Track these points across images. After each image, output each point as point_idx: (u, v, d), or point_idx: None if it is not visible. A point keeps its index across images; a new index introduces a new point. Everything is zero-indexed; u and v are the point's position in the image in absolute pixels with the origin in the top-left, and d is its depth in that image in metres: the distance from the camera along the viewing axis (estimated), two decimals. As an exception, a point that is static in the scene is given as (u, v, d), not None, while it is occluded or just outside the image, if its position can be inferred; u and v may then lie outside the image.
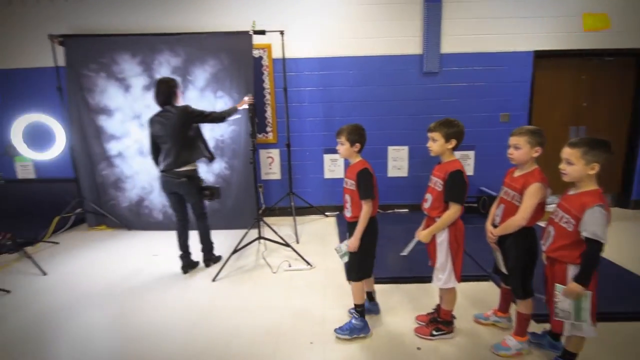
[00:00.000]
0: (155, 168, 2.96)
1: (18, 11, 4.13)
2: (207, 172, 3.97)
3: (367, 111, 4.28)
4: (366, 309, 2.14)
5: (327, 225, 4.12)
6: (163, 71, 3.78)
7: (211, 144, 3.90)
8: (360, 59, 4.17)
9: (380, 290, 2.44)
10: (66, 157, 4.13)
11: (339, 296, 2.50)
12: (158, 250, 3.49)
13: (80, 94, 3.85)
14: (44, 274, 3.01)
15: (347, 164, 2.13)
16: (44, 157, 3.23)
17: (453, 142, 1.78)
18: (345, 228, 2.16)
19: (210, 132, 3.88)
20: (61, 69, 3.88)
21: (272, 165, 4.43)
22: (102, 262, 3.27)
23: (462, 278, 1.91)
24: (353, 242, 1.96)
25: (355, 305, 2.06)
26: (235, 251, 2.98)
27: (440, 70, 4.17)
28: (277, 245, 3.23)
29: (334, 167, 4.38)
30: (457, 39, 4.12)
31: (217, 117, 2.91)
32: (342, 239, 3.49)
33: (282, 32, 3.72)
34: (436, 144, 1.81)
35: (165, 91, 2.74)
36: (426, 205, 1.90)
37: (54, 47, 3.81)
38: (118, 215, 4.09)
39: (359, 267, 2.03)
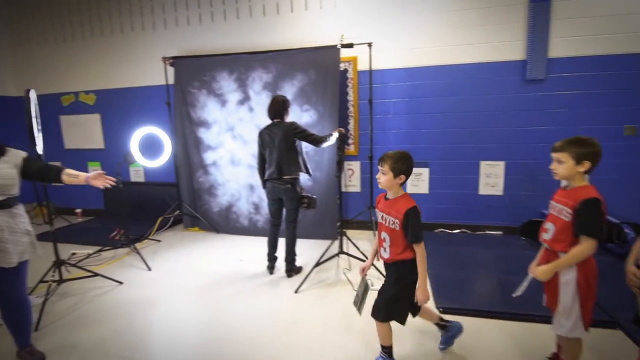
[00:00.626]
0: (258, 177, 3.22)
1: (138, 37, 4.82)
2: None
3: (457, 123, 3.98)
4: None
5: (408, 243, 3.91)
6: (255, 87, 4.02)
7: (295, 155, 4.02)
8: (450, 68, 3.92)
9: (469, 324, 2.17)
10: (170, 164, 4.64)
11: (422, 323, 2.31)
12: (243, 254, 3.67)
13: (184, 109, 4.30)
14: (149, 269, 3.37)
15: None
16: (154, 164, 3.68)
17: (586, 165, 1.50)
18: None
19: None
20: (170, 86, 4.40)
21: (352, 178, 4.38)
22: (196, 262, 3.55)
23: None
24: (422, 294, 1.69)
25: (382, 346, 1.85)
26: (317, 264, 2.97)
27: (547, 77, 3.69)
28: (357, 260, 3.15)
29: (417, 181, 4.16)
30: (568, 41, 3.61)
31: (316, 140, 3.03)
32: (428, 257, 3.27)
33: (369, 45, 3.68)
34: (563, 166, 1.54)
35: (278, 107, 3.01)
36: (546, 237, 1.62)
37: (165, 68, 4.33)
38: (209, 219, 4.44)
39: (394, 307, 1.76)
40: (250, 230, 4.26)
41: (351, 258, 3.15)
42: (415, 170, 4.09)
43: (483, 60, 3.83)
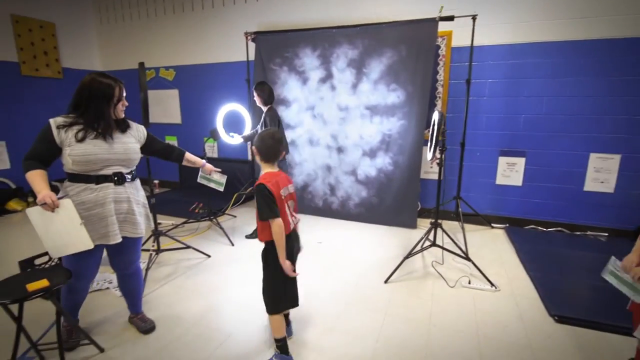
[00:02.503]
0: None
1: (218, 12, 4.79)
2: (370, 166, 3.92)
3: (563, 108, 3.51)
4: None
5: (495, 238, 3.60)
6: (339, 64, 3.83)
7: (378, 137, 3.83)
8: (560, 45, 3.42)
9: (572, 334, 1.90)
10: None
11: (537, 329, 2.07)
12: (321, 236, 3.61)
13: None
14: (232, 244, 3.42)
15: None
16: (234, 141, 3.69)
17: None
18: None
19: (379, 126, 3.79)
20: (251, 63, 4.34)
21: (433, 164, 4.09)
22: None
23: None
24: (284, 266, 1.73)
25: (275, 339, 1.85)
26: (409, 255, 2.80)
27: (691, 57, 3.08)
28: (450, 254, 2.94)
29: (510, 172, 3.78)
30: None
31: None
32: (523, 257, 2.97)
33: (474, 17, 3.29)
34: None
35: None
36: None
37: (247, 44, 4.27)
38: (283, 198, 4.43)
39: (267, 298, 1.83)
40: (324, 211, 4.19)
41: (442, 251, 2.95)
42: (507, 159, 3.77)
43: (599, 37, 3.28)
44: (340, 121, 3.93)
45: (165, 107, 5.51)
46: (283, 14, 4.34)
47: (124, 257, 1.96)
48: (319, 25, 3.96)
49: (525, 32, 3.50)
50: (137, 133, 1.96)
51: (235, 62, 4.68)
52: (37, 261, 2.53)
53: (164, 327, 2.17)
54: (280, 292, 1.80)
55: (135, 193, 1.90)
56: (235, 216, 4.34)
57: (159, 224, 3.91)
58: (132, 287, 2.11)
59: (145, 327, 2.12)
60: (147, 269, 2.73)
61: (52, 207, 1.53)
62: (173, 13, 5.09)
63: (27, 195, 4.72)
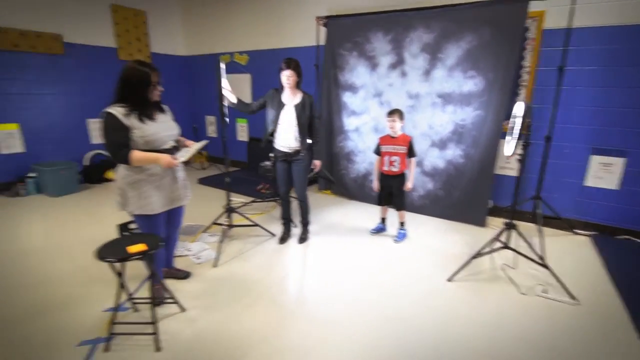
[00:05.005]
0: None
1: (291, -3, 4.83)
2: (438, 157, 3.74)
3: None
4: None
5: (578, 245, 3.24)
6: (413, 49, 3.67)
7: (449, 127, 3.63)
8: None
9: None
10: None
11: (624, 353, 1.85)
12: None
13: (332, 72, 4.24)
14: (295, 225, 3.56)
15: None
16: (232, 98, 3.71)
17: None
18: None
19: (452, 115, 3.58)
20: (321, 48, 4.35)
21: (510, 159, 3.77)
22: (335, 225, 3.61)
23: None
24: None
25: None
26: (478, 255, 2.66)
27: None
28: (515, 255, 2.73)
29: (604, 173, 3.34)
30: None
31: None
32: (613, 270, 2.64)
33: (576, -6, 2.89)
34: None
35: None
36: None
37: (318, 28, 4.28)
38: (344, 185, 4.47)
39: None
40: (385, 201, 4.14)
41: (515, 255, 2.74)
42: (602, 159, 3.33)
43: None
44: (409, 109, 3.78)
45: (238, 91, 5.79)
46: (356, -3, 4.24)
47: (179, 218, 2.37)
48: (394, 7, 3.80)
49: (634, 12, 2.99)
50: (170, 113, 2.21)
51: (305, 47, 4.72)
52: (131, 225, 2.90)
53: (233, 294, 2.37)
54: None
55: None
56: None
57: (231, 200, 4.23)
58: (172, 245, 2.45)
59: (182, 274, 2.55)
60: (221, 242, 2.97)
61: (176, 164, 1.99)
62: (249, -2, 5.27)
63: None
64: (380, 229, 3.46)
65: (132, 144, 1.93)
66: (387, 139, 3.14)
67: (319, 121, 3.33)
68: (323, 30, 4.27)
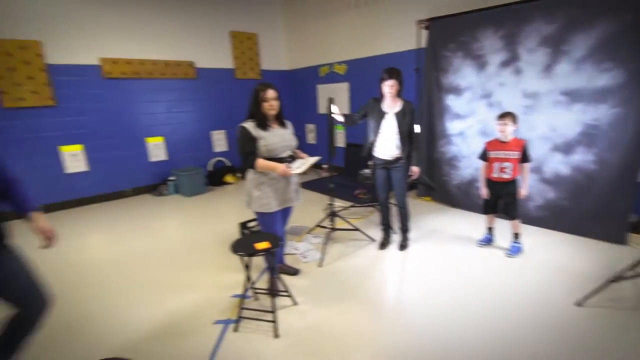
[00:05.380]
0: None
1: (392, 2, 4.83)
2: (562, 162, 3.30)
3: None
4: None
5: None
6: (529, 43, 3.33)
7: (577, 129, 3.19)
8: None
9: None
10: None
11: None
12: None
13: (434, 74, 4.12)
14: (394, 232, 3.55)
15: None
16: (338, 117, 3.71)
17: None
18: None
19: (580, 115, 3.13)
20: (421, 51, 4.27)
21: (662, 164, 3.10)
22: (435, 234, 3.49)
23: None
24: None
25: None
26: (617, 279, 2.27)
27: None
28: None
29: None
30: None
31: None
32: None
33: None
34: None
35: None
36: None
37: (418, 32, 4.21)
38: (446, 191, 4.27)
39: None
40: (493, 210, 3.82)
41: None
42: None
43: None
44: (525, 110, 3.43)
45: (335, 99, 6.05)
46: (460, -5, 4.04)
47: (287, 217, 2.64)
48: (504, 1, 3.51)
49: None
50: (291, 127, 2.53)
51: (402, 52, 4.69)
52: (250, 224, 3.32)
53: (338, 294, 2.50)
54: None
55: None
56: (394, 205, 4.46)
57: (329, 204, 4.45)
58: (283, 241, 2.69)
59: (293, 270, 2.80)
60: (324, 243, 3.17)
61: (290, 173, 2.29)
62: (348, 10, 5.47)
63: (236, 171, 6.15)
64: (488, 240, 3.21)
65: (258, 152, 2.28)
66: (496, 144, 2.93)
67: (419, 127, 3.26)
68: (424, 34, 4.18)
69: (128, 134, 5.25)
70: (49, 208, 4.69)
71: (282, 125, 2.44)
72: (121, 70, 5.04)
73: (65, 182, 4.81)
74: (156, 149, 5.53)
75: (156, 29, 5.27)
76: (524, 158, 2.85)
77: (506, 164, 2.87)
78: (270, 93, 2.29)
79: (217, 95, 6.02)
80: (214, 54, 5.92)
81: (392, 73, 2.81)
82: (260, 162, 2.27)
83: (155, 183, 5.53)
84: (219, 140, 6.19)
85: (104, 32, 4.82)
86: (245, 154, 2.29)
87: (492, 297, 2.41)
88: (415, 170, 2.99)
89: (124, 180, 5.33)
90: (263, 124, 2.31)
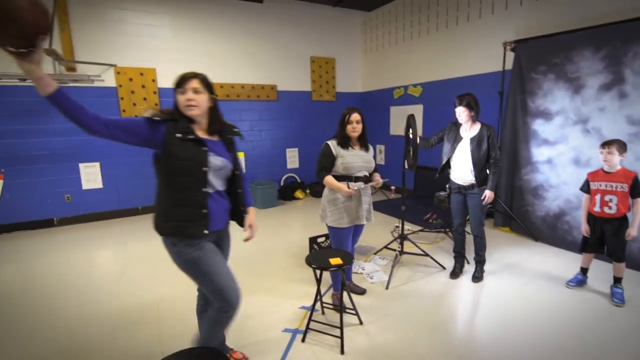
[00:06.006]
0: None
1: (474, 24, 4.72)
2: None
3: None
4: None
5: None
6: (637, 65, 2.98)
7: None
8: None
9: None
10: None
11: None
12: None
13: (520, 97, 3.88)
14: (467, 262, 3.35)
15: None
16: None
17: None
18: None
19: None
20: (507, 73, 4.08)
21: None
22: (517, 270, 3.20)
23: None
24: None
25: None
26: None
27: None
28: None
29: None
30: None
31: None
32: None
33: None
34: None
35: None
36: None
37: (504, 53, 4.04)
38: (528, 223, 3.92)
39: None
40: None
41: None
42: None
43: None
44: (631, 138, 3.04)
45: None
46: (551, 15, 3.79)
47: (357, 235, 2.68)
48: (606, 19, 3.21)
49: None
50: (372, 151, 2.63)
51: (486, 73, 4.52)
52: (319, 239, 3.44)
53: (406, 319, 2.44)
54: None
55: (368, 191, 2.61)
56: (468, 233, 4.21)
57: (397, 226, 4.38)
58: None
59: (360, 290, 2.82)
60: (392, 266, 3.13)
61: (351, 192, 2.39)
62: (427, 34, 5.49)
63: (307, 187, 6.41)
64: (580, 282, 2.86)
65: (334, 169, 2.45)
66: (600, 175, 2.64)
67: (499, 152, 3.05)
68: (510, 56, 4.00)
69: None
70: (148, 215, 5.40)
71: (365, 147, 2.56)
72: (215, 93, 5.69)
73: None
74: (237, 163, 6.06)
75: (245, 56, 5.87)
76: (634, 192, 2.51)
77: (610, 197, 2.56)
78: (355, 116, 2.44)
79: (293, 115, 6.43)
80: (294, 78, 6.36)
81: (462, 100, 2.78)
82: (328, 179, 2.43)
83: (234, 194, 6.02)
84: (292, 158, 6.54)
85: (202, 60, 5.53)
86: (319, 168, 2.48)
87: (583, 347, 2.13)
88: (488, 194, 2.83)
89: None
90: (345, 143, 2.46)
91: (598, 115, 3.27)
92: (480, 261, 3.07)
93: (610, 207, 2.56)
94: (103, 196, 5.14)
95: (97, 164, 5.05)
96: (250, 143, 6.13)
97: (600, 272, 2.97)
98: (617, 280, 2.65)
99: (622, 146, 2.52)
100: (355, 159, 2.46)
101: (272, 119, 6.27)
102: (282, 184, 6.39)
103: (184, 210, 1.56)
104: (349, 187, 2.36)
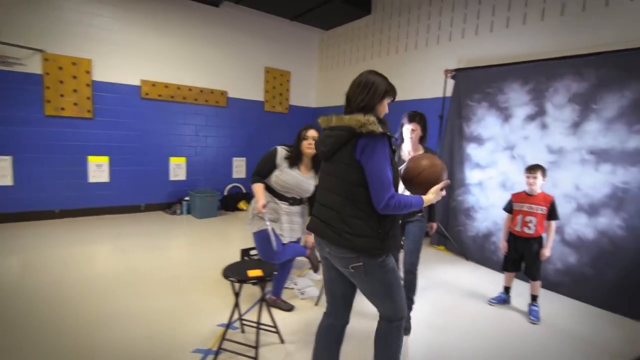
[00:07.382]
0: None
1: (420, 52, 4.98)
2: (587, 225, 3.07)
3: None
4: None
5: None
6: (557, 99, 3.26)
7: (604, 190, 2.99)
8: None
9: None
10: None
11: None
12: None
13: (457, 122, 4.09)
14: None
15: None
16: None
17: None
18: None
19: (609, 176, 2.95)
20: (447, 99, 4.29)
21: None
22: (446, 286, 3.25)
23: None
24: None
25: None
26: (648, 363, 1.99)
27: None
28: None
29: None
30: None
31: None
32: None
33: None
34: None
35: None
36: None
37: (445, 80, 4.25)
38: (460, 242, 4.05)
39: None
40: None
41: None
42: None
43: None
44: (549, 165, 3.28)
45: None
46: (489, 48, 4.09)
47: (289, 251, 2.51)
48: (533, 57, 3.51)
49: None
50: (315, 180, 2.40)
51: (429, 98, 4.73)
52: (252, 252, 3.24)
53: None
54: None
55: (299, 211, 2.54)
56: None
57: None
58: (285, 274, 2.61)
59: (286, 306, 2.64)
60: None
61: (260, 211, 2.29)
62: (379, 57, 5.68)
63: (252, 198, 6.18)
64: (502, 300, 2.95)
65: (269, 178, 2.36)
66: (522, 196, 2.80)
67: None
68: (450, 82, 4.22)
69: (154, 152, 5.46)
70: (67, 213, 4.84)
71: (313, 171, 2.46)
72: (158, 93, 5.36)
73: (87, 191, 4.99)
74: (177, 168, 5.69)
75: (196, 59, 5.63)
76: (551, 215, 2.68)
77: (530, 218, 2.70)
78: (311, 132, 2.36)
79: (243, 124, 6.24)
80: (246, 86, 6.22)
81: (415, 116, 2.45)
82: (256, 186, 2.35)
83: (171, 201, 5.62)
84: (239, 167, 6.30)
85: (148, 57, 5.21)
86: (256, 170, 2.39)
87: (501, 366, 2.15)
88: (433, 226, 2.62)
89: (142, 195, 5.45)
90: (294, 161, 2.37)
91: (523, 143, 3.51)
92: (409, 304, 2.49)
93: (529, 228, 2.70)
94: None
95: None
96: (193, 149, 5.82)
97: (523, 290, 3.09)
98: (534, 298, 2.77)
99: (544, 171, 2.72)
100: (291, 180, 2.37)
101: (219, 126, 6.03)
102: (225, 193, 6.10)
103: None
104: (264, 207, 2.27)
